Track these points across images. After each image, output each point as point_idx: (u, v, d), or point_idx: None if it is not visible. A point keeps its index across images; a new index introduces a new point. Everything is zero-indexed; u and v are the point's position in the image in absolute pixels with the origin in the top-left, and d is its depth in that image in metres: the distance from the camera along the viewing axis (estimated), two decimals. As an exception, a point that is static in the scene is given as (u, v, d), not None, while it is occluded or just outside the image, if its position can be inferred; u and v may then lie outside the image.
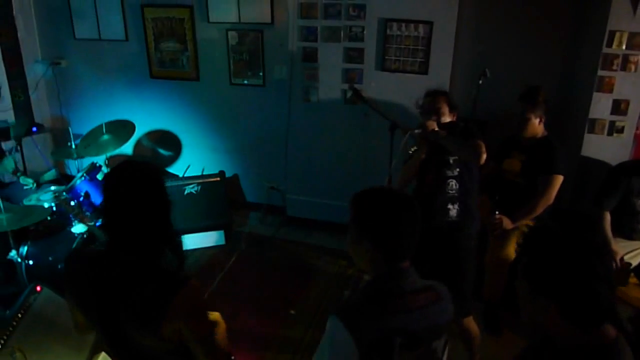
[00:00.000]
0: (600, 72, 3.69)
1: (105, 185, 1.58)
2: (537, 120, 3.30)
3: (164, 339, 1.53)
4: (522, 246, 2.65)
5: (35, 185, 3.95)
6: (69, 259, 1.67)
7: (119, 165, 1.61)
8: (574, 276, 1.18)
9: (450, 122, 2.90)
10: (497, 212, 3.31)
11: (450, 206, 2.80)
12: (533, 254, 1.27)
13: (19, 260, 3.38)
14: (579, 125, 3.93)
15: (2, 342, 2.59)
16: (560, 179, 3.27)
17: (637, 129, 3.83)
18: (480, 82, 3.71)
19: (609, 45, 3.60)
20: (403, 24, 4.12)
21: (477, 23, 4.17)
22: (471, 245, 2.87)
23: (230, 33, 4.74)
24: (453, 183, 2.80)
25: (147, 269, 1.54)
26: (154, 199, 1.56)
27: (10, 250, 3.37)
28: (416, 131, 2.86)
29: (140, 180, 1.56)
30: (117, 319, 1.55)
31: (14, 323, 2.68)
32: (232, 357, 1.73)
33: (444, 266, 2.77)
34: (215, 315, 1.93)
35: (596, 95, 3.74)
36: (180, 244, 1.68)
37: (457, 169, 2.78)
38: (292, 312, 3.67)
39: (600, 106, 3.77)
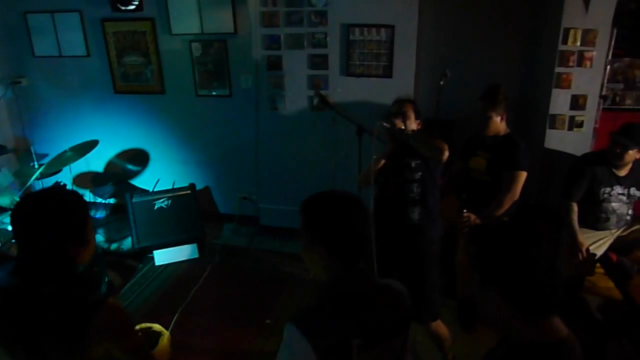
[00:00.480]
0: (558, 69, 3.79)
1: (12, 214, 1.56)
2: (498, 119, 3.36)
3: None
4: (470, 238, 2.69)
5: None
6: None
7: (25, 198, 1.59)
8: (517, 266, 1.20)
9: (416, 129, 2.92)
10: (464, 210, 3.35)
11: (411, 209, 2.82)
12: (480, 245, 1.29)
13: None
14: (541, 121, 4.03)
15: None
16: (524, 174, 3.33)
17: (595, 123, 3.93)
18: (442, 82, 3.78)
19: (564, 42, 3.71)
20: (365, 29, 4.16)
21: (438, 25, 4.25)
22: (434, 248, 2.88)
23: (193, 44, 4.71)
24: (414, 186, 2.82)
25: (58, 298, 1.51)
26: (56, 229, 1.52)
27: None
28: (384, 123, 2.87)
29: (39, 214, 1.53)
30: (42, 351, 1.52)
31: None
32: None
33: (407, 270, 2.80)
34: (156, 327, 1.94)
35: (555, 92, 3.84)
36: (85, 274, 1.69)
37: (419, 173, 2.81)
38: (268, 321, 3.64)
39: (560, 102, 3.87)
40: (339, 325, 1.36)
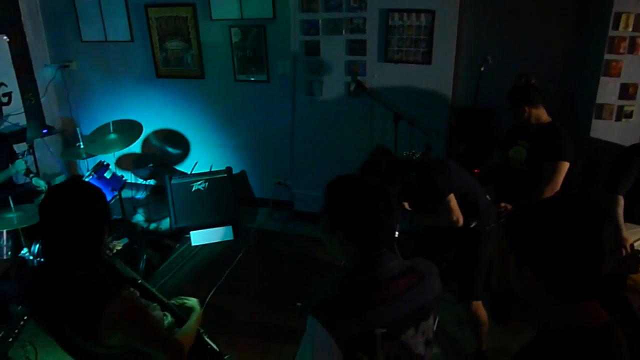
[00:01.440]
0: (607, 56, 3.62)
1: (42, 205, 1.63)
2: (534, 110, 3.24)
3: (112, 347, 1.61)
4: (509, 217, 2.64)
5: (47, 187, 4.01)
6: (21, 277, 1.73)
7: (56, 187, 1.69)
8: (554, 243, 1.14)
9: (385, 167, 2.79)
10: (502, 201, 3.27)
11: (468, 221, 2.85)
12: (518, 221, 1.24)
13: (31, 257, 3.44)
14: (586, 110, 3.87)
15: (14, 335, 2.65)
16: (566, 165, 3.21)
17: (645, 112, 3.75)
18: (482, 69, 3.68)
19: (615, 27, 3.53)
20: (405, 14, 4.09)
21: (480, 9, 4.12)
22: (487, 230, 2.90)
23: (233, 29, 4.75)
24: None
25: (76, 285, 1.58)
26: (83, 220, 1.60)
27: (22, 249, 3.43)
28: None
29: (71, 202, 1.60)
30: (64, 331, 1.62)
31: (25, 317, 2.73)
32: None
33: (462, 248, 2.85)
34: (190, 302, 2.02)
35: (603, 80, 3.67)
36: (108, 262, 1.81)
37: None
38: (299, 304, 3.68)
39: (608, 91, 3.70)
40: (361, 316, 1.33)
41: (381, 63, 4.29)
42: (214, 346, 2.21)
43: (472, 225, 2.84)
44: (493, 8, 4.10)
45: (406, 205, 2.93)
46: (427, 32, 4.08)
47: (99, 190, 1.69)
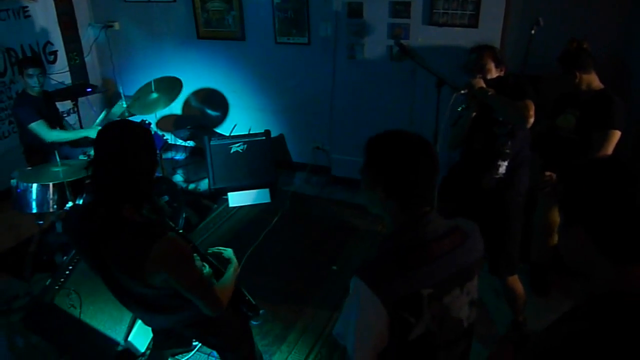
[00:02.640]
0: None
1: (97, 139, 1.68)
2: (585, 76, 3.09)
3: (154, 287, 1.67)
4: (560, 175, 2.55)
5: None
6: (67, 215, 1.79)
7: (109, 124, 1.73)
8: (607, 202, 1.09)
9: (498, 77, 2.79)
10: (548, 171, 3.18)
11: (500, 163, 2.73)
12: (569, 179, 1.19)
13: (75, 211, 3.56)
14: (642, 79, 3.67)
15: (60, 284, 2.76)
16: (617, 133, 3.07)
17: None
18: (533, 31, 3.53)
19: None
20: (453, -26, 3.94)
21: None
22: (519, 201, 2.82)
23: (275, -10, 4.69)
24: (504, 140, 2.72)
25: (126, 226, 1.63)
26: (135, 153, 1.65)
27: (67, 202, 3.54)
28: (462, 92, 2.79)
29: (127, 139, 1.66)
30: (109, 269, 1.69)
31: (70, 267, 2.83)
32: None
33: (491, 223, 2.72)
34: (227, 253, 2.10)
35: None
36: (156, 203, 1.90)
37: (509, 125, 2.70)
38: (334, 267, 3.70)
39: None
40: (406, 277, 1.31)
41: (425, 26, 4.17)
42: (251, 299, 2.25)
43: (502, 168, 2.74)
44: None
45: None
46: (475, -7, 3.93)
47: (148, 129, 1.73)
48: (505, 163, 2.75)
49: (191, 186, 5.06)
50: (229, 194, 4.69)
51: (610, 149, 3.08)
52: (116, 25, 5.58)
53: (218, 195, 4.78)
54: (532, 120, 2.57)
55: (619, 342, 1.06)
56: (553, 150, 3.36)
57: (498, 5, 3.91)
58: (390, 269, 1.33)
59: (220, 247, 2.20)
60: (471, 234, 1.46)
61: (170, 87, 4.42)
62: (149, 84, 4.40)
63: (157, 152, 1.78)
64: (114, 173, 1.63)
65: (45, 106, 4.02)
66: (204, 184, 5.02)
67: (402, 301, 1.29)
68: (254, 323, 2.75)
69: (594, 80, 3.12)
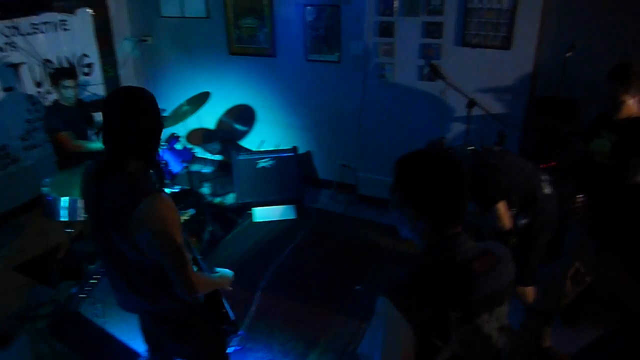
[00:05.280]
0: None
1: (104, 104, 1.77)
2: (632, 101, 3.01)
3: (137, 247, 1.70)
4: (591, 202, 2.50)
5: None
6: (84, 171, 1.89)
7: (115, 90, 1.83)
8: None
9: None
10: (580, 195, 3.09)
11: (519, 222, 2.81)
12: (602, 207, 1.16)
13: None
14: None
15: (86, 293, 2.79)
16: (660, 161, 2.98)
17: None
18: (568, 54, 3.48)
19: None
20: (486, -4, 3.92)
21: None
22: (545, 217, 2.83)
23: (307, 8, 4.73)
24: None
25: (123, 179, 1.71)
26: (139, 116, 1.74)
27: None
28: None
29: (129, 100, 1.76)
30: (101, 224, 1.76)
31: (97, 276, 2.86)
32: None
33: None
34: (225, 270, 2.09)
35: None
36: (159, 163, 2.04)
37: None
38: (358, 287, 3.66)
39: None
40: (435, 298, 1.28)
41: (457, 47, 4.15)
42: (230, 313, 2.20)
43: (522, 222, 2.79)
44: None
45: None
46: (508, 15, 3.89)
47: (150, 94, 1.82)
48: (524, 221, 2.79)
49: (217, 200, 5.09)
50: (254, 209, 4.70)
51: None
52: (150, 40, 5.70)
53: (243, 209, 4.79)
54: (508, 226, 2.71)
55: None
56: (586, 175, 3.28)
57: (531, 27, 3.86)
58: (418, 289, 1.30)
59: (224, 269, 2.17)
60: (503, 259, 1.43)
61: (198, 99, 4.49)
62: (180, 105, 4.45)
63: (161, 114, 1.92)
64: (118, 131, 1.72)
65: (78, 116, 4.10)
66: (230, 198, 5.04)
67: (429, 323, 1.26)
68: (234, 348, 2.71)
69: (635, 105, 3.04)
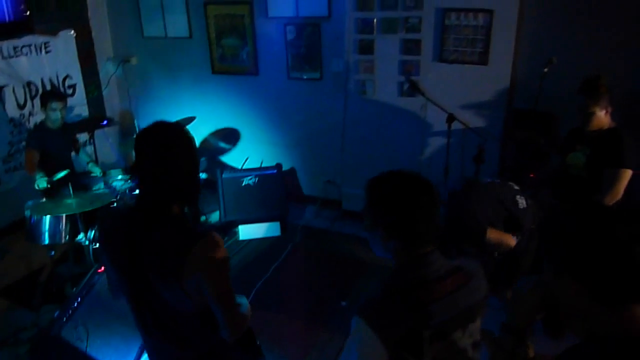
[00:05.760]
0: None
1: (138, 142, 1.63)
2: (602, 113, 3.09)
3: (186, 292, 1.57)
4: (541, 225, 2.56)
5: (101, 173, 4.19)
6: (103, 217, 1.76)
7: (151, 125, 1.66)
8: (592, 248, 1.08)
9: None
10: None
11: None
12: (553, 229, 1.19)
13: (87, 243, 3.59)
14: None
15: (67, 316, 2.77)
16: (628, 172, 3.05)
17: None
18: (546, 70, 3.56)
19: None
20: (462, 13, 4.01)
21: (542, 9, 3.95)
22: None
23: (288, 27, 4.80)
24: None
25: (170, 222, 1.59)
26: (181, 157, 1.59)
27: (79, 233, 3.58)
28: None
29: (169, 139, 1.60)
30: (143, 270, 1.60)
31: (79, 299, 2.85)
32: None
33: None
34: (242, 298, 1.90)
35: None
36: (197, 201, 1.81)
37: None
38: (344, 303, 3.67)
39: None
40: (407, 317, 1.31)
41: (436, 63, 4.23)
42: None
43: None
44: (557, 7, 3.94)
45: None
46: (484, 32, 3.98)
47: (186, 129, 1.68)
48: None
49: (202, 218, 5.09)
50: (240, 226, 4.71)
51: (620, 187, 3.06)
52: (133, 60, 5.72)
53: (229, 227, 4.79)
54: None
55: None
56: (564, 187, 3.35)
57: (507, 43, 3.95)
58: (391, 308, 1.33)
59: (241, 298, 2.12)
60: (475, 275, 1.46)
61: (183, 123, 4.52)
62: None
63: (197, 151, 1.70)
64: (159, 174, 1.58)
65: (62, 139, 4.10)
66: (215, 216, 5.04)
67: (402, 341, 1.29)
68: None
69: (605, 117, 3.12)
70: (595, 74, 3.17)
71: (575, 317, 1.17)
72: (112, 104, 5.97)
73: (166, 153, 1.58)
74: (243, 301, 1.97)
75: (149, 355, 1.92)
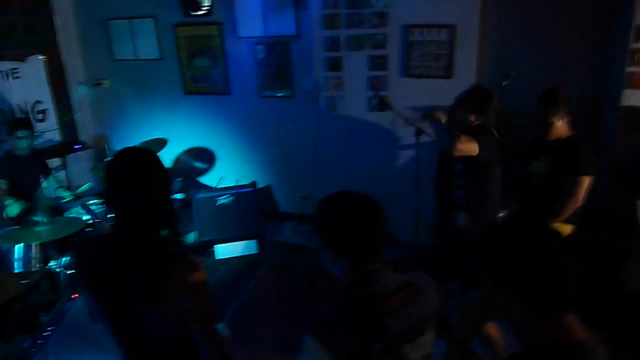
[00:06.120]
0: (628, 69, 3.57)
1: (109, 169, 1.66)
2: (560, 122, 3.20)
3: (168, 318, 1.59)
4: (481, 239, 2.61)
5: (72, 197, 4.17)
6: (76, 244, 1.78)
7: (120, 151, 1.69)
8: (525, 262, 1.16)
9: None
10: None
11: (457, 214, 2.79)
12: (490, 243, 1.26)
13: (59, 269, 3.56)
14: (612, 123, 3.80)
15: (39, 346, 2.75)
16: (587, 180, 3.15)
17: (674, 125, 3.66)
18: (505, 83, 3.67)
19: (636, 40, 3.48)
20: (425, 29, 4.12)
21: (502, 24, 4.10)
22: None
23: (257, 47, 4.86)
24: (459, 192, 2.79)
25: (148, 246, 1.61)
26: (152, 182, 1.62)
27: (50, 261, 3.56)
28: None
29: (139, 164, 1.63)
30: (124, 297, 1.62)
31: (51, 329, 2.83)
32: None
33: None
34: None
35: (626, 92, 3.61)
36: (176, 222, 1.80)
37: (464, 179, 2.78)
38: (321, 318, 3.69)
39: (631, 103, 3.63)
40: (356, 332, 1.34)
41: (403, 78, 4.33)
42: None
43: None
44: (516, 22, 4.08)
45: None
46: (447, 47, 4.10)
47: (156, 154, 1.72)
48: (463, 214, 2.79)
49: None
50: (216, 246, 4.71)
51: (580, 194, 3.15)
52: (105, 83, 5.72)
53: (205, 247, 4.80)
54: (457, 147, 2.82)
55: None
56: (528, 195, 3.44)
57: (470, 58, 4.07)
58: (340, 325, 1.37)
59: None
60: (425, 289, 1.49)
61: (154, 144, 4.54)
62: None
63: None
64: (131, 200, 1.60)
65: (31, 165, 4.08)
66: (191, 237, 5.04)
67: (353, 356, 1.33)
68: None
69: (564, 126, 3.22)
70: (553, 86, 3.28)
71: (514, 326, 1.23)
72: (86, 127, 5.94)
73: (136, 179, 1.60)
74: (220, 326, 2.00)
75: None
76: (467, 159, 2.89)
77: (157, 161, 1.68)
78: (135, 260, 1.59)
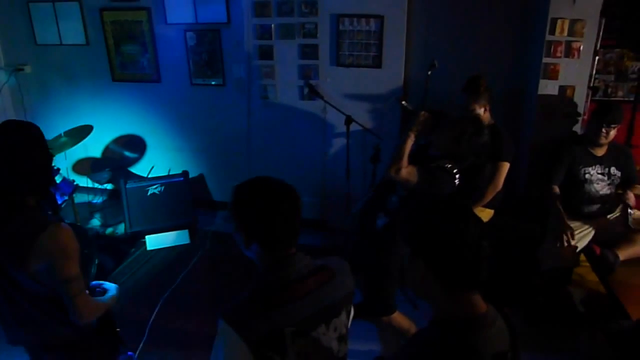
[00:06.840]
0: (545, 59, 3.76)
1: None
2: (481, 110, 3.35)
3: (36, 277, 1.73)
4: (403, 213, 2.63)
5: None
6: None
7: (1, 124, 1.83)
8: (442, 239, 1.23)
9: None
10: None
11: (380, 215, 2.75)
12: (411, 217, 1.33)
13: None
14: (531, 111, 4.00)
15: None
16: (506, 165, 3.33)
17: (584, 114, 3.90)
18: (429, 72, 3.78)
19: (552, 32, 3.67)
20: (355, 19, 4.18)
21: (427, 15, 4.21)
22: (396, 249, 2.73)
23: (188, 33, 4.76)
24: (395, 198, 2.78)
25: (22, 213, 1.76)
26: (28, 151, 1.77)
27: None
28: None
29: (15, 134, 1.77)
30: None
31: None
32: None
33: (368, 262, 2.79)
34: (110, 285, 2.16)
35: (543, 82, 3.81)
36: (53, 195, 2.10)
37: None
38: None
39: (548, 93, 3.84)
40: (268, 316, 1.37)
41: (333, 67, 4.37)
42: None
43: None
44: (442, 14, 4.20)
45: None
46: (376, 36, 4.17)
47: (35, 125, 1.85)
48: (385, 219, 2.70)
49: (108, 230, 4.94)
50: (147, 236, 4.62)
51: (500, 179, 3.33)
52: (27, 69, 5.44)
53: (136, 238, 4.69)
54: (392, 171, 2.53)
55: None
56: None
57: (398, 48, 4.17)
58: (252, 309, 1.39)
59: (106, 283, 2.21)
60: (339, 272, 1.54)
61: (79, 132, 4.38)
62: (58, 136, 4.32)
63: (48, 145, 1.89)
64: (12, 169, 1.74)
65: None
66: (121, 228, 4.91)
67: (265, 340, 1.35)
68: None
69: (485, 114, 3.37)
70: (476, 75, 3.43)
71: (424, 298, 1.31)
72: (7, 115, 5.62)
73: (12, 148, 1.74)
74: (111, 290, 2.16)
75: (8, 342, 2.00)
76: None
77: (32, 131, 1.82)
78: (8, 226, 1.73)
